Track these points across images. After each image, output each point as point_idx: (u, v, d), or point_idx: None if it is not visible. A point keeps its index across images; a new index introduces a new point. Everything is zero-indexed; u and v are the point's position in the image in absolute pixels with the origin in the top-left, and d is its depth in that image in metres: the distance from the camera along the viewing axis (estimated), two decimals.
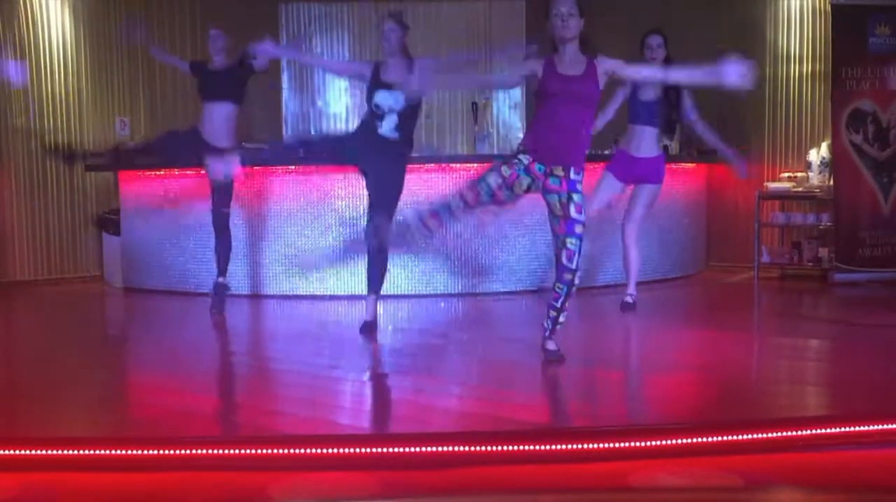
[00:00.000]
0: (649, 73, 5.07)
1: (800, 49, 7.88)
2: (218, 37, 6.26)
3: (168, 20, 8.62)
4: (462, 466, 3.11)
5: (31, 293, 7.73)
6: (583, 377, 4.40)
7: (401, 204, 5.30)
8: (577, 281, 4.32)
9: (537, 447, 3.16)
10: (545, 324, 4.45)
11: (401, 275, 6.80)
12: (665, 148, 7.39)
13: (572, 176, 4.26)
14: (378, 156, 5.23)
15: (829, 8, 7.39)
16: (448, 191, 4.46)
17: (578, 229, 4.26)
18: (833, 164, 7.39)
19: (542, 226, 4.53)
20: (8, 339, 5.99)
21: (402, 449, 3.18)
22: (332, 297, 6.91)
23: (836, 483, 3.03)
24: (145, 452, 3.16)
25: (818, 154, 7.64)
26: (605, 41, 4.56)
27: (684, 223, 7.77)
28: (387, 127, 5.22)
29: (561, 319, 4.40)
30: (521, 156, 4.27)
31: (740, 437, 3.25)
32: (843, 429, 3.29)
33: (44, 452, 3.15)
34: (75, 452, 3.15)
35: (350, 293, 6.86)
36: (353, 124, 7.21)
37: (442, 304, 6.73)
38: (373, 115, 5.26)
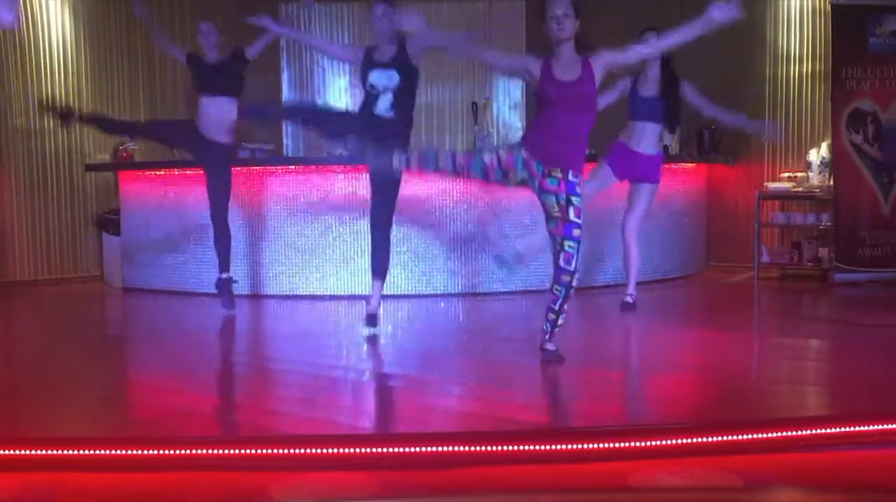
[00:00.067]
0: (646, 50, 4.90)
1: (800, 49, 7.88)
2: (210, 32, 6.19)
3: (168, 20, 8.61)
4: (462, 466, 3.11)
5: (31, 293, 7.73)
6: (583, 377, 4.40)
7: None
8: (575, 283, 4.32)
9: (537, 447, 3.16)
10: (544, 327, 4.45)
11: (401, 275, 6.80)
12: (665, 148, 7.41)
13: (571, 178, 4.26)
14: (375, 136, 5.21)
15: (829, 8, 7.39)
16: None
17: (577, 232, 4.26)
18: (833, 164, 7.39)
19: (542, 225, 4.53)
20: (8, 339, 5.99)
21: (402, 449, 3.18)
22: (332, 297, 6.91)
23: (836, 483, 3.03)
24: (145, 452, 3.16)
25: (818, 154, 7.64)
26: (601, 43, 4.55)
27: (684, 223, 7.77)
28: (382, 106, 5.20)
29: (560, 321, 4.40)
30: (522, 149, 4.28)
31: (740, 437, 3.25)
32: (843, 429, 3.29)
33: (44, 452, 3.15)
34: (75, 452, 3.15)
35: (350, 293, 6.86)
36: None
37: (442, 304, 6.73)
38: (368, 96, 5.25)
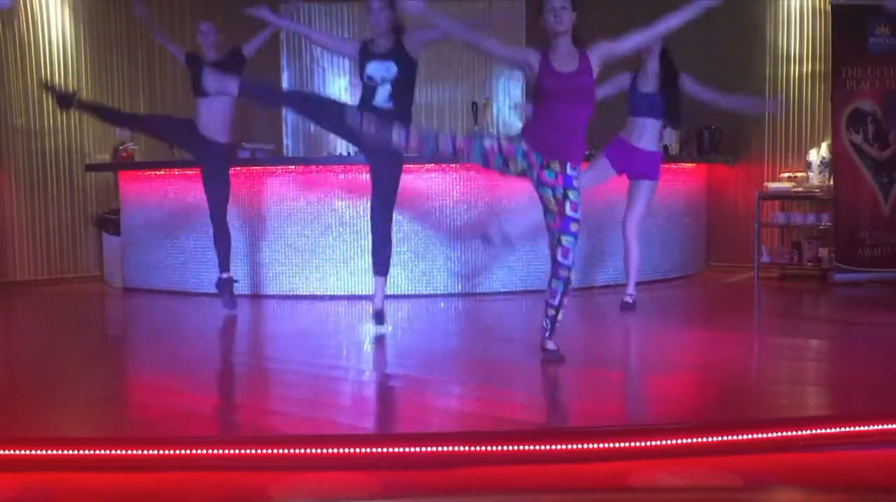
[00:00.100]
0: (642, 37, 4.66)
1: (800, 49, 7.88)
2: (209, 32, 6.17)
3: (168, 20, 8.61)
4: (462, 466, 3.11)
5: (31, 293, 7.73)
6: (583, 377, 4.40)
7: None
8: (572, 277, 4.33)
9: (537, 447, 3.16)
10: (544, 324, 4.45)
11: (401, 275, 6.80)
12: (665, 148, 7.41)
13: (569, 171, 4.27)
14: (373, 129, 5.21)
15: (829, 8, 7.38)
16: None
17: (574, 227, 4.27)
18: (833, 164, 7.39)
19: (532, 210, 4.52)
20: (8, 339, 5.99)
21: (402, 449, 3.18)
22: (332, 297, 6.91)
23: (836, 483, 3.03)
24: (145, 452, 3.16)
25: (818, 154, 7.64)
26: (598, 36, 4.58)
27: (684, 223, 7.77)
28: (381, 97, 5.20)
29: (559, 317, 4.41)
30: (522, 141, 4.29)
31: (740, 437, 3.25)
32: (843, 429, 3.29)
33: (44, 452, 3.15)
34: (75, 452, 3.15)
35: (350, 293, 6.87)
36: None
37: (442, 304, 6.73)
38: (366, 89, 5.25)
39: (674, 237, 7.65)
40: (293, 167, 7.10)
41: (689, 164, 7.86)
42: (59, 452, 3.15)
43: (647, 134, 6.04)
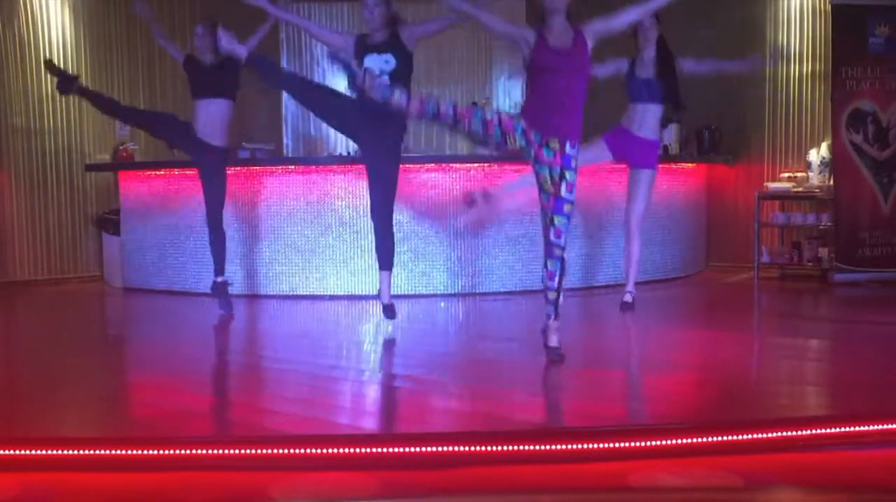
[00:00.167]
0: (635, 14, 4.65)
1: (800, 49, 7.88)
2: (205, 35, 6.11)
3: (168, 19, 8.61)
4: (462, 466, 3.11)
5: (31, 293, 7.73)
6: (583, 377, 4.40)
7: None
8: (567, 257, 4.34)
9: (537, 447, 3.16)
10: (546, 310, 4.45)
11: (401, 275, 6.79)
12: (665, 148, 7.41)
13: (567, 150, 4.29)
14: (371, 122, 5.21)
15: (829, 8, 7.38)
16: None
17: (567, 208, 4.31)
18: (833, 164, 7.39)
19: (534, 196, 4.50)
20: (8, 339, 5.99)
21: (402, 449, 3.18)
22: (332, 297, 6.91)
23: (836, 483, 3.03)
24: (145, 452, 3.16)
25: (818, 154, 7.63)
26: (601, 50, 4.58)
27: (684, 223, 7.77)
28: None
29: (560, 300, 4.41)
30: (521, 120, 4.31)
31: (740, 437, 3.25)
32: (843, 429, 3.29)
33: (44, 452, 3.15)
34: (75, 452, 3.15)
35: (350, 293, 6.87)
36: None
37: (442, 304, 6.73)
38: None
39: (674, 237, 7.64)
40: (293, 167, 7.10)
41: (689, 164, 7.86)
42: (59, 452, 3.15)
43: (648, 122, 6.01)
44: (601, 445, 3.19)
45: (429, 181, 6.88)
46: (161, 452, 3.16)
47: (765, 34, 7.98)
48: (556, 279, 4.36)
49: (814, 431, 3.29)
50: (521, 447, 3.16)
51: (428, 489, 2.97)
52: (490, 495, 2.96)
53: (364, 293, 6.63)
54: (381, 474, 3.10)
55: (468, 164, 6.95)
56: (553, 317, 4.43)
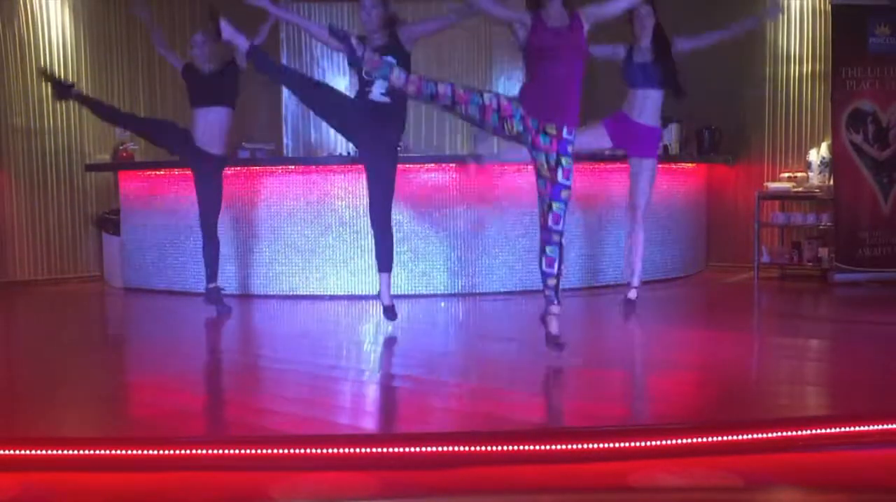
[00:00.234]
0: (626, 1, 4.62)
1: (800, 49, 7.88)
2: (203, 43, 6.07)
3: (168, 20, 8.61)
4: (462, 466, 3.11)
5: (31, 293, 7.73)
6: (583, 377, 4.40)
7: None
8: (564, 242, 4.36)
9: (537, 447, 3.16)
10: (546, 294, 4.45)
11: (401, 275, 6.79)
12: (665, 148, 7.41)
13: (565, 135, 4.31)
14: (370, 122, 5.22)
15: (829, 8, 7.38)
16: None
17: (564, 194, 4.33)
18: (833, 164, 7.39)
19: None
20: (8, 339, 5.99)
21: (402, 449, 3.18)
22: (332, 297, 6.91)
23: (836, 483, 3.03)
24: (145, 452, 3.16)
25: (818, 154, 7.63)
26: (598, 38, 4.59)
27: (684, 223, 7.77)
28: (377, 91, 5.20)
29: (560, 286, 4.43)
30: (520, 105, 4.33)
31: (740, 437, 3.25)
32: (843, 429, 3.29)
33: (44, 452, 3.15)
34: (75, 452, 3.15)
35: (350, 293, 6.87)
36: None
37: (442, 304, 6.73)
38: (363, 84, 5.25)
39: (674, 237, 7.64)
40: (293, 167, 7.10)
41: (689, 164, 7.86)
42: (59, 452, 3.15)
43: (648, 108, 5.96)
44: (601, 445, 3.19)
45: (429, 181, 6.88)
46: (161, 452, 3.16)
47: (765, 34, 7.98)
48: (556, 265, 4.37)
49: (814, 431, 3.29)
50: (521, 447, 3.16)
51: (428, 489, 2.97)
52: (490, 495, 2.96)
53: (364, 293, 6.63)
54: (381, 474, 3.10)
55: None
56: (555, 302, 4.44)
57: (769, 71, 7.97)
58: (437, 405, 3.92)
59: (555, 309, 4.44)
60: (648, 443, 3.20)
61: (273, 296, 7.00)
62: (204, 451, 3.16)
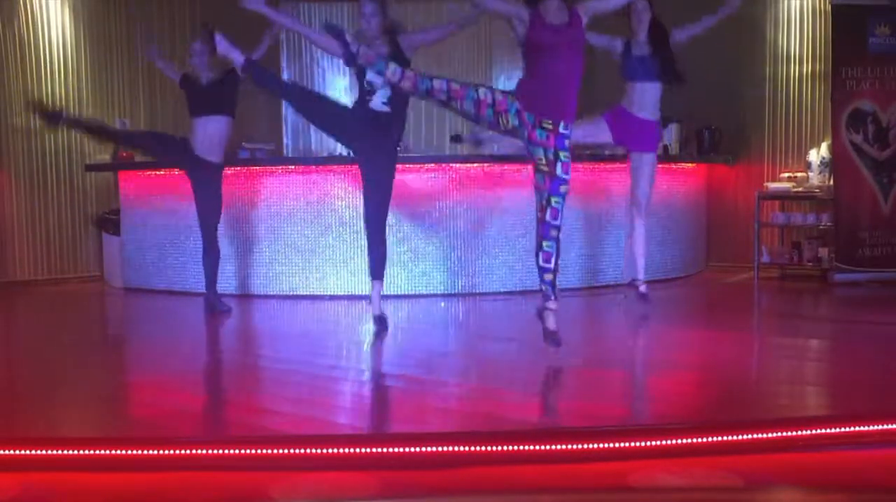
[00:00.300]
0: None
1: (800, 49, 7.88)
2: (202, 52, 6.05)
3: (168, 20, 8.62)
4: (462, 466, 3.11)
5: (31, 293, 7.73)
6: (583, 377, 4.40)
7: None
8: (561, 236, 4.35)
9: (537, 447, 3.16)
10: (543, 290, 4.44)
11: (401, 275, 6.80)
12: (665, 148, 7.40)
13: (561, 129, 4.31)
14: (370, 131, 5.22)
15: (829, 8, 7.38)
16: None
17: (563, 189, 4.33)
18: (833, 164, 7.39)
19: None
20: (8, 339, 5.99)
21: (402, 449, 3.18)
22: (332, 297, 6.91)
23: (836, 483, 3.03)
24: (145, 452, 3.16)
25: (818, 154, 7.63)
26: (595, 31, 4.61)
27: (684, 223, 7.77)
28: (378, 100, 5.21)
29: (557, 282, 4.42)
30: (516, 100, 4.32)
31: (740, 437, 3.25)
32: (843, 429, 3.29)
33: (44, 452, 3.15)
34: (75, 452, 3.15)
35: (350, 293, 6.86)
36: None
37: (442, 304, 6.73)
38: (363, 93, 5.26)
39: (674, 237, 7.64)
40: (293, 167, 7.10)
41: (689, 164, 7.86)
42: (59, 452, 3.15)
43: (647, 102, 5.96)
44: (601, 445, 3.19)
45: (429, 181, 6.87)
46: (161, 452, 3.16)
47: (765, 34, 7.98)
48: (553, 260, 4.37)
49: (814, 431, 3.29)
50: (521, 447, 3.16)
51: (428, 489, 2.97)
52: (490, 495, 2.96)
53: (364, 293, 6.61)
54: (381, 474, 3.10)
55: (468, 164, 6.94)
56: (552, 298, 4.43)
57: (769, 71, 7.97)
58: (437, 405, 3.92)
59: (552, 304, 4.44)
60: (648, 443, 3.20)
61: (273, 296, 7.00)
62: (204, 451, 3.16)
